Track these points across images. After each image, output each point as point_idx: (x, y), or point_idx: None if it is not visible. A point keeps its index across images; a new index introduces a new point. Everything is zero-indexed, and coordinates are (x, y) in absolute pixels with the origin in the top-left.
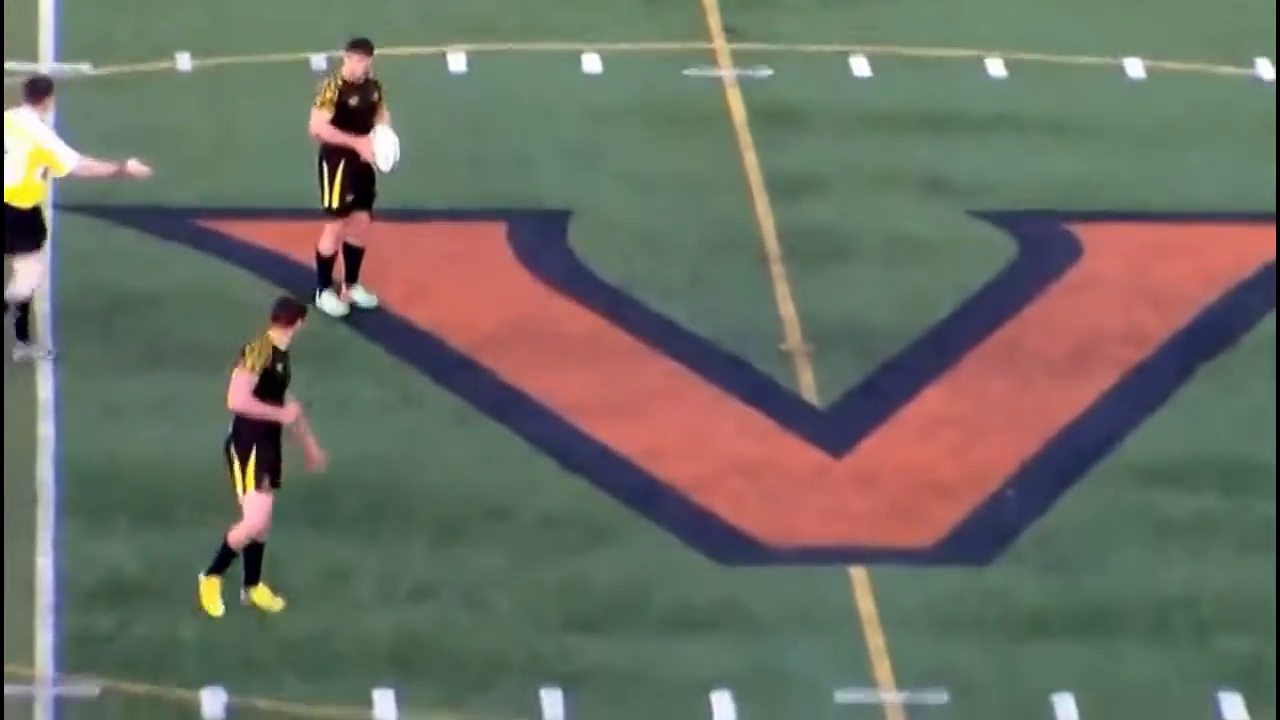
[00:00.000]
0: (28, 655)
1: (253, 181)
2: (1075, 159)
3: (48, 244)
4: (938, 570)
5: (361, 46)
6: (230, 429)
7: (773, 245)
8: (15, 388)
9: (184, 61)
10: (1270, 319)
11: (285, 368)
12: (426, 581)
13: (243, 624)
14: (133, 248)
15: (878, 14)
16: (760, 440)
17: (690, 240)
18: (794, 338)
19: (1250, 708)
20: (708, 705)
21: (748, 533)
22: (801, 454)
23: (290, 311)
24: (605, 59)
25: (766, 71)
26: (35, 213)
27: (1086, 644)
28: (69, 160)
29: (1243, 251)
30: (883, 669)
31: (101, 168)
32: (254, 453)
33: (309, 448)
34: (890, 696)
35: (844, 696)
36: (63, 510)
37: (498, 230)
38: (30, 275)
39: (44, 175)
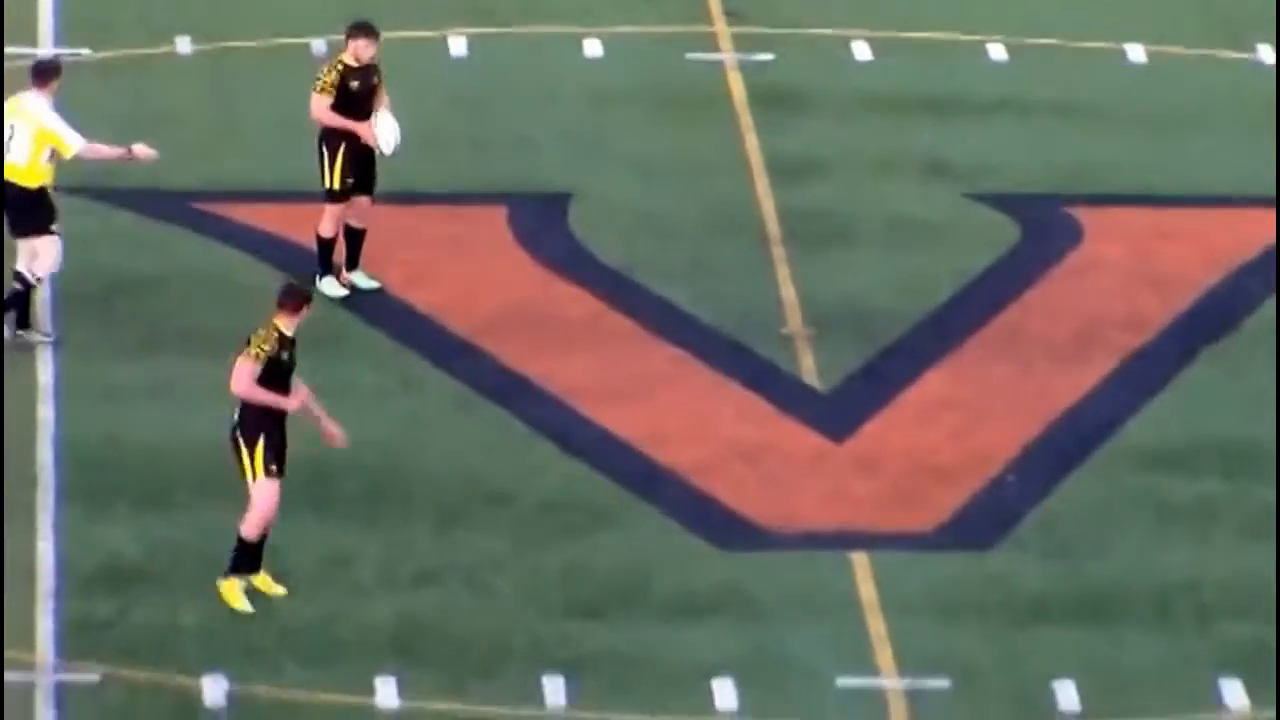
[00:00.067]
0: (28, 641)
1: (253, 165)
2: (1077, 143)
3: (59, 225)
4: (939, 555)
5: (371, 30)
6: (236, 416)
7: (774, 228)
8: (15, 372)
9: (184, 45)
10: (1272, 303)
11: (291, 354)
12: (428, 567)
13: (243, 610)
14: (133, 231)
15: None
16: (761, 424)
17: (691, 223)
18: (795, 321)
19: (1251, 693)
20: (709, 691)
21: (748, 517)
22: (802, 438)
23: (296, 298)
24: (606, 42)
25: (768, 55)
26: (42, 193)
27: (1088, 629)
28: (75, 143)
29: (1244, 235)
30: (884, 654)
31: (108, 151)
32: (261, 439)
33: (326, 427)
34: (891, 682)
35: (845, 682)
36: (62, 495)
37: (498, 214)
38: (49, 256)
39: (51, 158)
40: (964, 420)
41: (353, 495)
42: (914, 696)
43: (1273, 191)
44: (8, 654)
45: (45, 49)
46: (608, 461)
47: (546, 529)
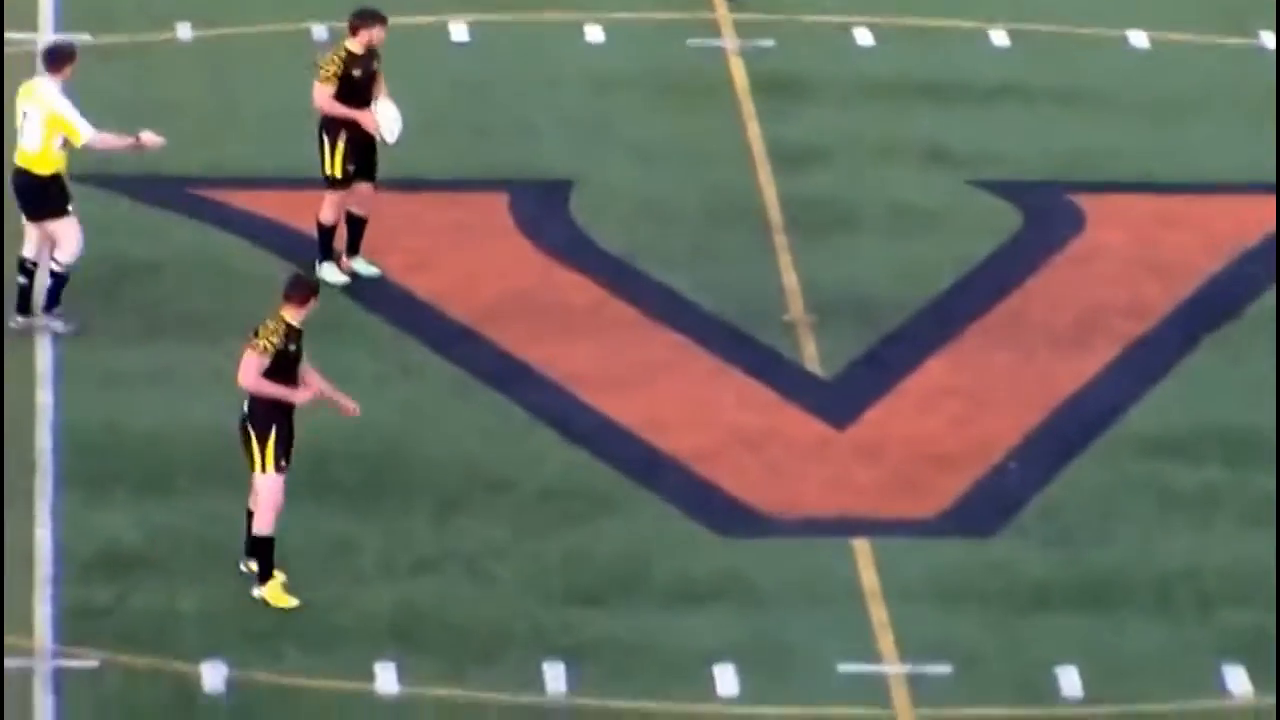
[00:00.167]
0: (26, 627)
1: (253, 151)
2: (1079, 129)
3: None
4: (940, 542)
5: (384, 18)
6: (246, 408)
7: (775, 215)
8: (14, 357)
9: (184, 31)
10: (1274, 289)
11: (298, 346)
12: (428, 554)
13: (243, 596)
14: (132, 217)
15: None
16: (762, 411)
17: (692, 210)
18: (796, 308)
19: (1253, 679)
20: (710, 677)
21: (750, 504)
22: (804, 425)
23: (304, 290)
24: (607, 28)
25: (769, 41)
26: (55, 179)
27: (1090, 616)
28: (85, 132)
29: (1246, 222)
30: (885, 641)
31: (117, 141)
32: (273, 432)
33: (340, 402)
34: (893, 668)
35: (847, 668)
36: (61, 480)
37: (499, 200)
38: (72, 240)
39: (64, 145)
40: (966, 407)
41: (352, 482)
42: (915, 682)
43: (1275, 178)
44: (6, 640)
45: (46, 35)
46: (608, 448)
47: (547, 516)
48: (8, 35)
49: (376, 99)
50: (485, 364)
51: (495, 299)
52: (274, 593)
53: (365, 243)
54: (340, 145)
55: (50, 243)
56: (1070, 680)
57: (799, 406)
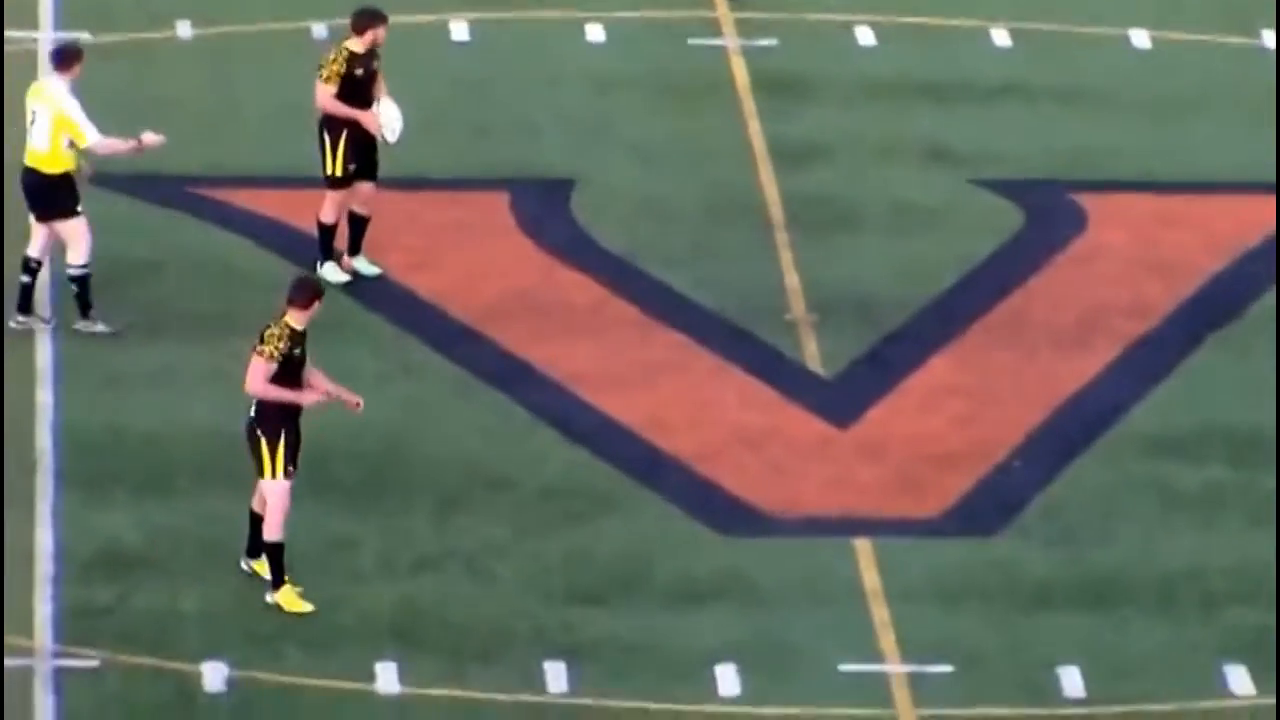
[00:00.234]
0: (26, 627)
1: (253, 150)
2: (1081, 129)
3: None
4: (943, 541)
5: (384, 17)
6: (253, 412)
7: (777, 214)
8: (14, 356)
9: (184, 30)
10: (1275, 289)
11: (303, 349)
12: (428, 553)
13: (243, 596)
14: (132, 216)
15: None
16: (764, 411)
17: (694, 209)
18: (798, 307)
19: (1255, 679)
20: (712, 677)
21: (752, 504)
22: (806, 424)
23: (306, 294)
24: (608, 27)
25: (770, 40)
26: (65, 178)
27: (1092, 615)
28: (90, 136)
29: (1249, 221)
30: (887, 640)
31: (121, 145)
32: (282, 437)
33: (345, 398)
34: (895, 668)
35: (848, 668)
36: (61, 480)
37: (500, 199)
38: (83, 239)
39: (71, 145)
40: (968, 407)
41: (353, 481)
42: (917, 682)
43: (1275, 177)
44: (7, 639)
45: (46, 33)
46: (609, 448)
47: (548, 515)
48: (8, 33)
49: (377, 98)
50: (486, 363)
51: (496, 298)
52: (288, 598)
53: (366, 242)
54: (341, 144)
55: (57, 244)
56: (1072, 680)
57: (800, 406)
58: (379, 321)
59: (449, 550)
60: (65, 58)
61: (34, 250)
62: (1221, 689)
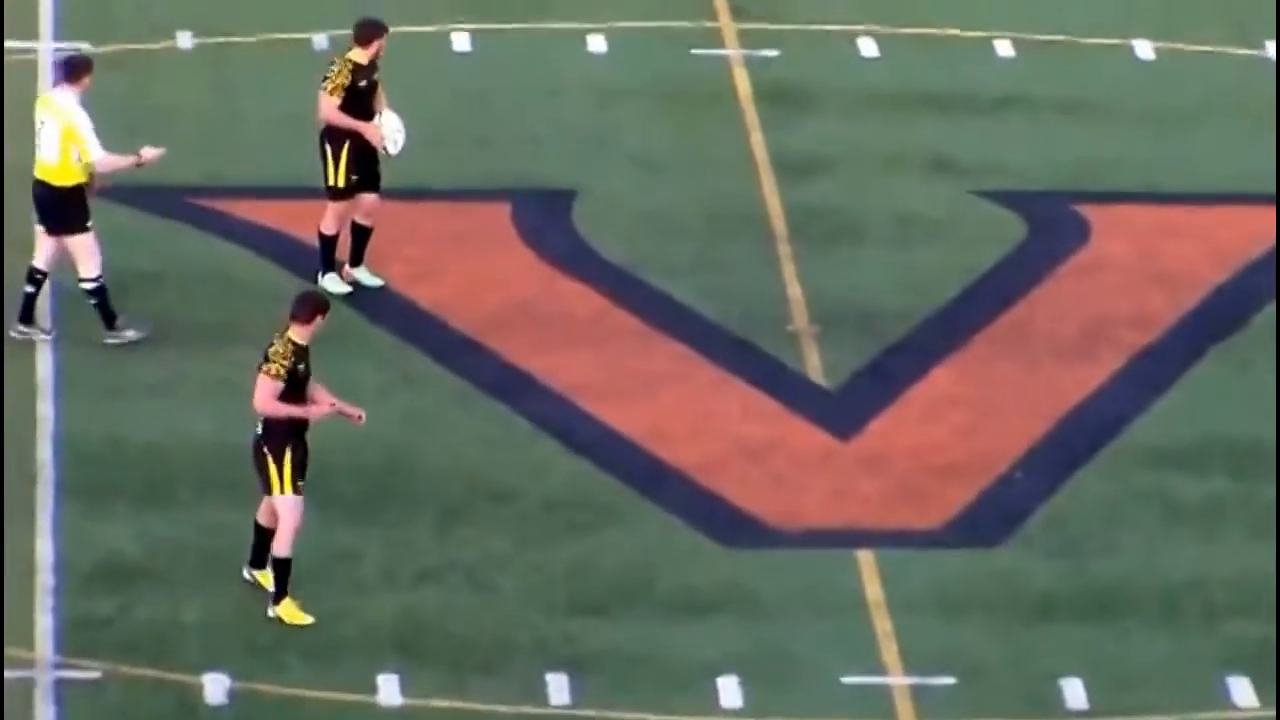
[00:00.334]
0: (27, 638)
1: (254, 160)
2: (1084, 140)
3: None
4: (945, 553)
5: (385, 28)
6: (260, 428)
7: (779, 225)
8: (15, 368)
9: (185, 40)
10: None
11: (306, 364)
12: (430, 565)
13: (245, 607)
14: (133, 227)
15: None
16: (766, 422)
17: (696, 220)
18: (801, 318)
19: (1258, 691)
20: (714, 689)
21: (754, 515)
22: (808, 436)
23: (308, 309)
24: (610, 38)
25: (773, 51)
26: (75, 191)
27: (1094, 627)
28: (95, 152)
29: (1252, 232)
30: (890, 652)
31: (123, 162)
32: (288, 452)
33: (348, 411)
34: (897, 680)
35: (851, 680)
36: (62, 491)
37: (502, 210)
38: (94, 255)
39: (80, 157)
40: (971, 418)
41: (354, 492)
42: (920, 694)
43: (1276, 188)
44: (7, 651)
45: (45, 43)
46: (611, 459)
47: (549, 526)
48: (8, 43)
49: (378, 110)
50: (488, 374)
51: (498, 309)
52: (289, 611)
53: (367, 253)
54: (343, 156)
55: (64, 256)
56: (1075, 692)
57: (803, 417)
58: (380, 333)
59: (451, 562)
60: (74, 69)
61: (39, 261)
62: (1224, 701)
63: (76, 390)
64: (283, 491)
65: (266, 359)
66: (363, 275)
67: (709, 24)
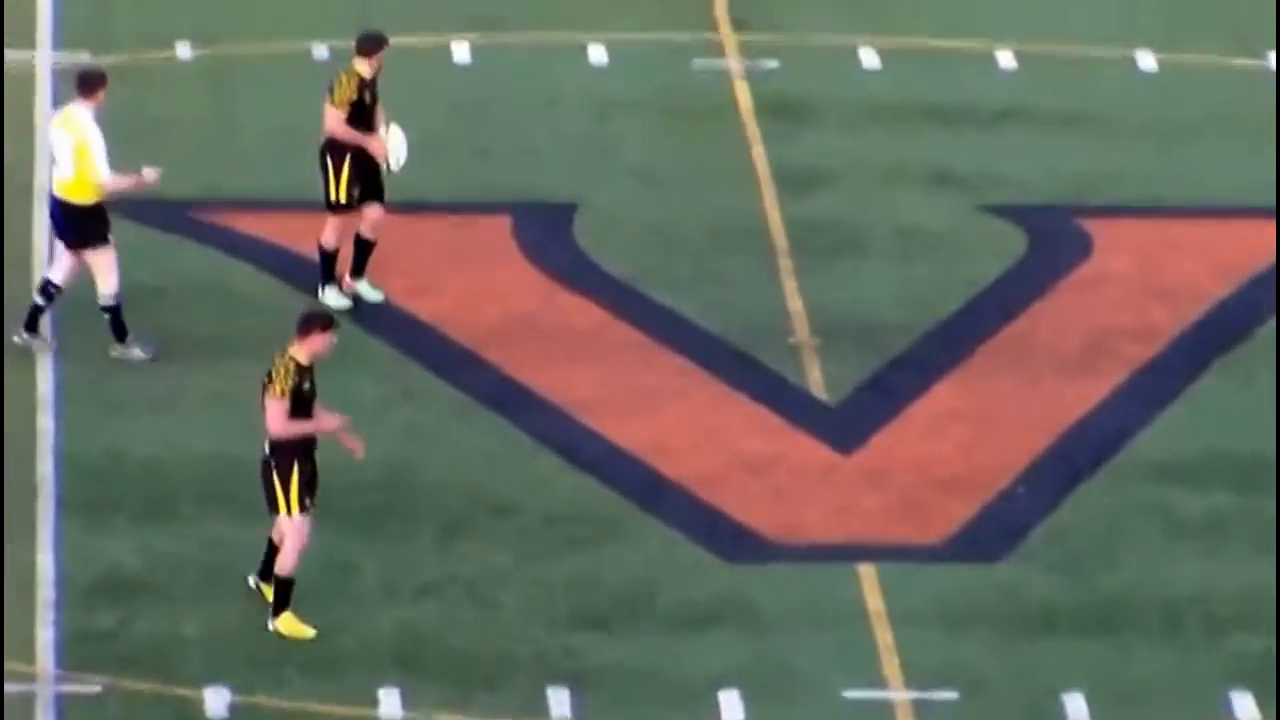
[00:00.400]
0: (28, 653)
1: (254, 173)
2: (1086, 152)
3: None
4: (947, 567)
5: (386, 40)
6: (267, 448)
7: (780, 239)
8: (15, 382)
9: (184, 50)
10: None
11: (312, 383)
12: (431, 579)
13: (245, 621)
14: (133, 240)
15: (886, 5)
16: (768, 437)
17: (697, 234)
18: (802, 332)
19: (1260, 705)
20: (715, 703)
21: (755, 530)
22: (810, 451)
23: (304, 327)
24: (611, 50)
25: (774, 63)
26: (96, 208)
27: (1097, 642)
28: (103, 173)
29: (1255, 245)
30: (891, 666)
31: (126, 182)
32: (296, 472)
33: (347, 440)
34: (899, 694)
35: (852, 694)
36: (63, 506)
37: (502, 223)
38: (110, 273)
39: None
40: (973, 432)
41: (355, 507)
42: (921, 708)
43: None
44: (8, 665)
45: (44, 53)
46: (612, 473)
47: (551, 541)
48: (7, 53)
49: (382, 122)
50: (488, 388)
51: (498, 323)
52: (289, 624)
53: (368, 266)
54: (345, 170)
55: (82, 273)
56: (1077, 706)
57: (804, 431)
58: (380, 346)
59: (451, 576)
60: (89, 84)
61: (55, 275)
62: (1227, 715)
63: (77, 404)
64: (290, 512)
65: (270, 379)
66: (364, 288)
67: (710, 36)
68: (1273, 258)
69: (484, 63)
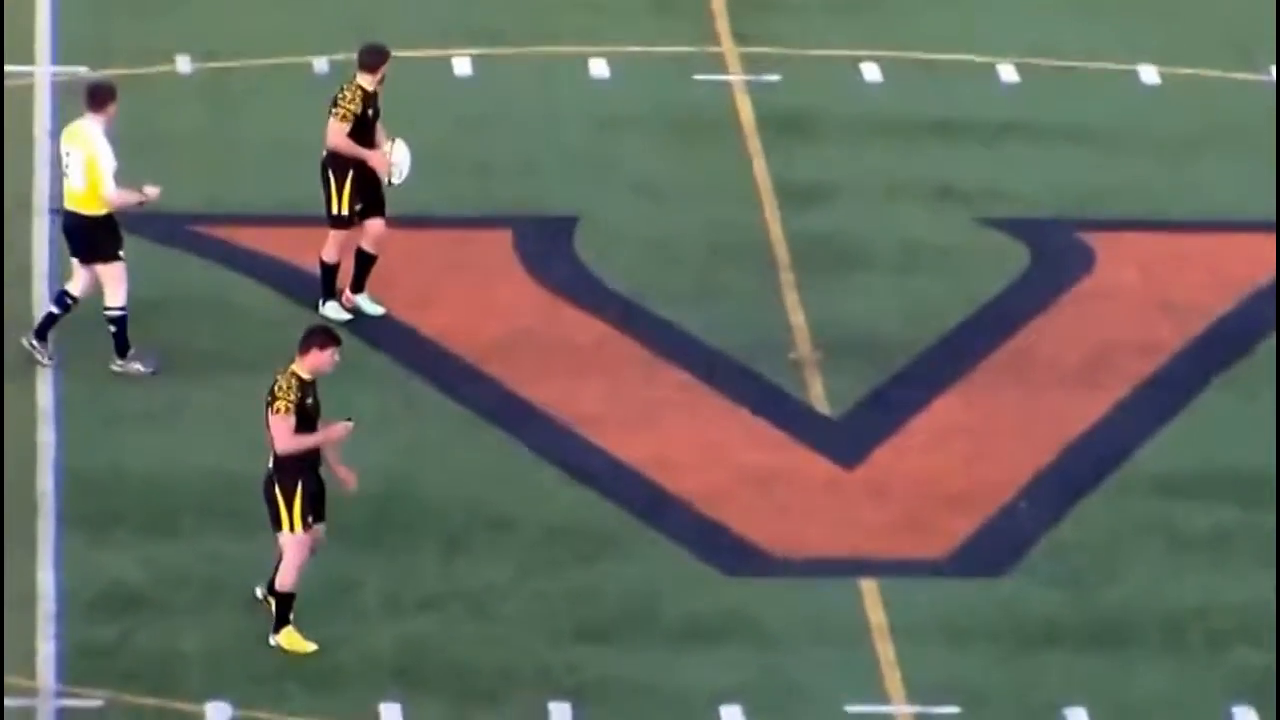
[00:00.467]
0: (29, 667)
1: (254, 186)
2: (1088, 166)
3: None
4: (949, 582)
5: (389, 54)
6: (271, 465)
7: (782, 253)
8: (16, 396)
9: (184, 64)
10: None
11: (315, 398)
12: (432, 593)
13: (246, 635)
14: (134, 254)
15: (888, 19)
16: (771, 451)
17: (699, 248)
18: (804, 347)
19: None
20: (717, 718)
21: (757, 544)
22: (812, 465)
23: (305, 342)
24: (612, 63)
25: (776, 76)
26: (106, 220)
27: (1099, 656)
28: (108, 189)
29: (1257, 259)
30: (893, 681)
31: (131, 198)
32: (299, 490)
33: (339, 470)
34: (901, 708)
35: (855, 708)
36: (63, 520)
37: (504, 237)
38: (118, 285)
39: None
40: (975, 447)
41: (356, 520)
42: None
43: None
44: (9, 680)
45: (44, 68)
46: (614, 488)
47: (552, 555)
48: (6, 68)
49: (380, 136)
50: (489, 402)
51: (499, 337)
52: (290, 638)
53: (369, 280)
54: (347, 184)
55: (92, 284)
56: None
57: (807, 446)
58: (381, 361)
59: (453, 590)
60: (98, 97)
61: (74, 289)
62: None
63: (78, 419)
64: (291, 530)
65: (273, 396)
66: (364, 302)
67: (711, 49)
68: (1275, 272)
69: (485, 77)
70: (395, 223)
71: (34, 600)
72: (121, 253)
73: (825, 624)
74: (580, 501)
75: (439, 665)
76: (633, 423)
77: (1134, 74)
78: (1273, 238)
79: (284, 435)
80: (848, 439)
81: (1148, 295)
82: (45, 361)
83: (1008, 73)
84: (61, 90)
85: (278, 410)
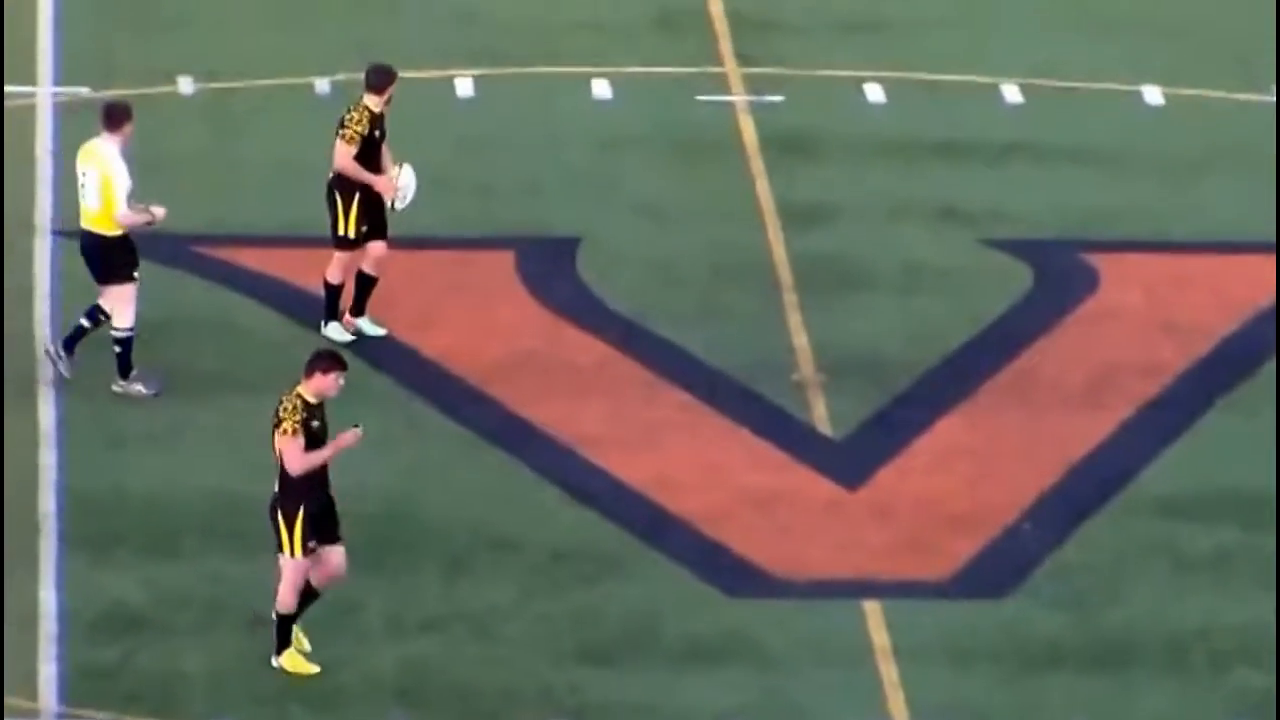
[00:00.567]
0: (31, 688)
1: (257, 207)
2: (1092, 187)
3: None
4: (952, 603)
5: (395, 76)
6: (276, 488)
7: (785, 274)
8: (18, 417)
9: (186, 85)
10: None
11: (322, 421)
12: (434, 614)
13: (248, 656)
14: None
15: (891, 40)
16: (773, 472)
17: (701, 269)
18: (807, 368)
19: None
20: None
21: (760, 565)
22: (815, 486)
23: (310, 365)
24: (615, 84)
25: (779, 97)
26: (123, 240)
27: (1101, 677)
28: (120, 209)
29: (1261, 281)
30: (896, 702)
31: (139, 218)
32: (301, 514)
33: (349, 438)
34: None
35: None
36: (65, 541)
37: (506, 258)
38: (129, 306)
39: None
40: (978, 468)
41: (358, 541)
42: None
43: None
44: (10, 701)
45: (45, 88)
46: (616, 509)
47: (554, 576)
48: (7, 88)
49: (386, 158)
50: (492, 423)
51: (502, 358)
52: (292, 661)
53: (370, 301)
54: (354, 206)
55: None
56: None
57: (809, 467)
58: (383, 382)
59: (455, 611)
60: (114, 117)
61: (105, 303)
62: None
63: (80, 440)
64: (291, 554)
65: (278, 419)
66: (365, 324)
67: (714, 70)
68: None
69: (487, 97)
70: (397, 244)
71: (35, 621)
72: (136, 274)
73: (828, 645)
74: (582, 522)
75: (441, 686)
76: (634, 443)
77: (1138, 95)
78: (1275, 258)
79: (294, 456)
80: (850, 460)
81: (1151, 316)
82: (65, 374)
83: (1011, 93)
84: (63, 110)
85: (285, 432)
